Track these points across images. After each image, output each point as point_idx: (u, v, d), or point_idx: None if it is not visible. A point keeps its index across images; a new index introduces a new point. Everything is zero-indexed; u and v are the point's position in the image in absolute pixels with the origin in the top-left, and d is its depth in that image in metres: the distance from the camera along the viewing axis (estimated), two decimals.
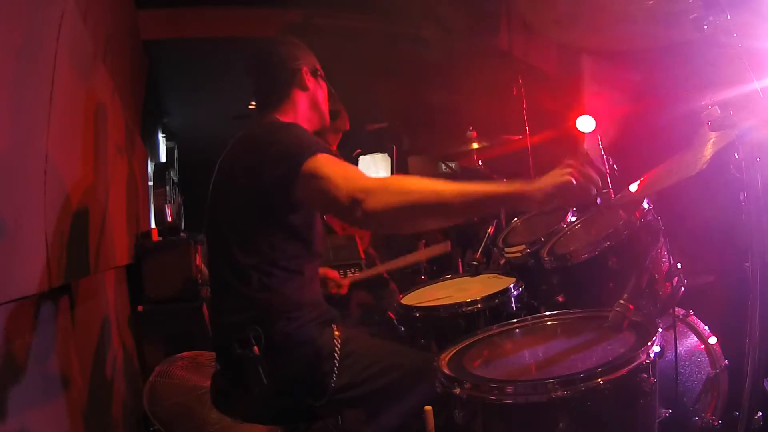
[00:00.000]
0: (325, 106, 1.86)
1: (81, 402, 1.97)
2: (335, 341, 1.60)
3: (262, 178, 1.52)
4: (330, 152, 1.51)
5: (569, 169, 1.32)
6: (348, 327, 1.70)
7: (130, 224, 3.34)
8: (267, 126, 1.69)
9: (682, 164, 1.49)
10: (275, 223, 1.57)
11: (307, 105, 1.80)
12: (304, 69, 1.78)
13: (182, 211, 5.39)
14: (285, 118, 1.74)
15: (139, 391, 2.66)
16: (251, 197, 1.55)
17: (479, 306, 1.86)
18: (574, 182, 1.30)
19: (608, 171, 2.16)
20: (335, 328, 1.64)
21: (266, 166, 1.51)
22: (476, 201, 1.35)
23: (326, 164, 1.45)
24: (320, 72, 1.85)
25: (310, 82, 1.80)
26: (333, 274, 2.23)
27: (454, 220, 1.44)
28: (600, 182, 1.34)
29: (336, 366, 1.57)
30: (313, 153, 1.46)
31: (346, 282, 2.23)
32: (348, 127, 3.29)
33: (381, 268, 2.47)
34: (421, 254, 2.43)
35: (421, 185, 1.37)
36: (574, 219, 2.23)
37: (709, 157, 1.32)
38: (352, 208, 1.36)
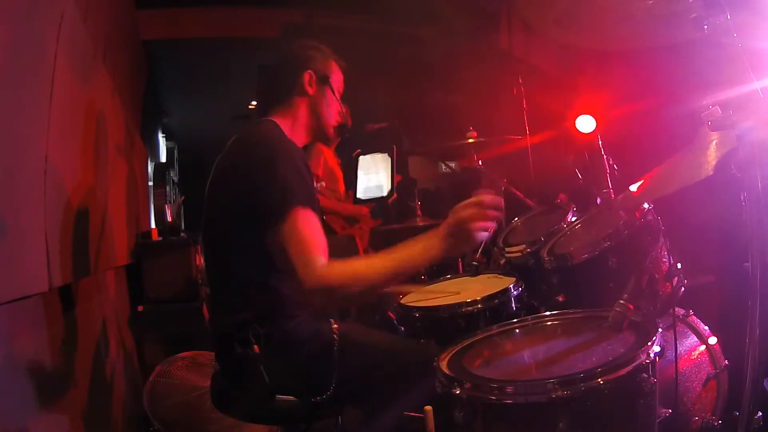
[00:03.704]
0: (327, 115, 1.80)
1: (81, 402, 1.97)
2: (334, 335, 1.61)
3: (250, 207, 1.53)
4: (307, 200, 1.51)
5: (460, 212, 1.47)
6: (346, 321, 1.71)
7: (130, 224, 3.34)
8: (261, 139, 1.64)
9: (685, 168, 1.48)
10: (271, 224, 1.56)
11: (307, 112, 1.77)
12: (307, 74, 1.75)
13: (182, 211, 5.39)
14: (283, 122, 1.72)
15: (139, 391, 2.66)
16: (245, 201, 1.55)
17: (479, 306, 1.86)
18: (467, 224, 1.45)
19: (608, 171, 2.16)
20: (333, 322, 1.65)
21: (252, 198, 1.53)
22: (406, 272, 1.51)
23: (295, 235, 1.46)
24: (332, 79, 1.80)
25: (312, 87, 1.76)
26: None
27: (381, 291, 1.65)
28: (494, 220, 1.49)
29: (335, 361, 1.57)
30: (291, 209, 1.47)
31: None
32: (347, 134, 3.29)
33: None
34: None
35: (361, 273, 1.49)
36: (574, 219, 2.23)
37: (714, 162, 1.32)
38: (306, 292, 1.45)
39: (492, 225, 1.48)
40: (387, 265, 1.49)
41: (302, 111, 1.77)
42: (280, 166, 1.53)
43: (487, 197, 1.47)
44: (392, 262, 1.49)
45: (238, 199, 1.57)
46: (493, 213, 1.47)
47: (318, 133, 1.83)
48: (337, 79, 1.83)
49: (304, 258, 1.44)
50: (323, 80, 1.78)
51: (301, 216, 1.48)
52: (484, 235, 1.48)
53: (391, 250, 1.51)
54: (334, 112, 1.82)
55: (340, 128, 1.87)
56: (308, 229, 1.48)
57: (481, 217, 1.46)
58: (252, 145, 1.62)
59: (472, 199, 1.47)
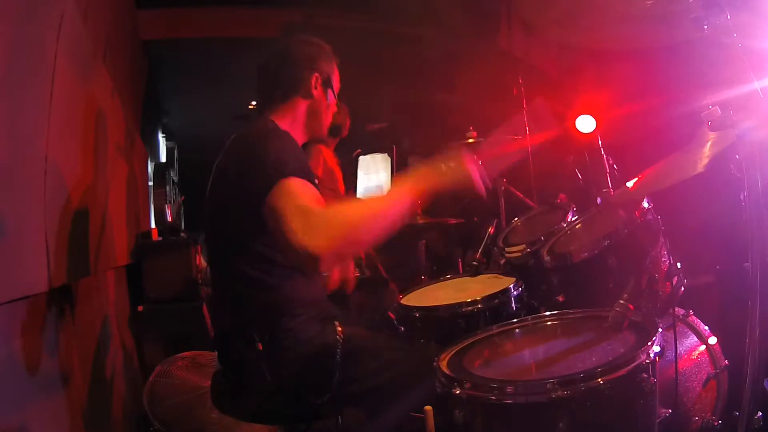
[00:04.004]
0: (325, 118, 1.81)
1: (81, 402, 1.97)
2: (338, 337, 1.61)
3: (245, 190, 1.50)
4: (302, 173, 1.47)
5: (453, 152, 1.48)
6: (350, 323, 1.70)
7: (130, 224, 3.34)
8: (256, 133, 1.65)
9: (680, 164, 1.49)
10: (265, 196, 1.55)
11: (306, 113, 1.76)
12: (315, 76, 1.74)
13: (182, 211, 5.39)
14: (282, 121, 1.72)
15: (139, 391, 2.66)
16: (245, 200, 1.54)
17: (479, 306, 1.86)
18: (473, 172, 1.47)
19: (608, 171, 2.16)
20: (337, 325, 1.64)
21: (246, 181, 1.50)
22: (404, 206, 1.47)
23: (286, 198, 1.40)
24: (333, 82, 1.80)
25: (317, 90, 1.75)
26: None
27: (390, 230, 1.55)
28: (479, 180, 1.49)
29: (338, 362, 1.57)
30: (280, 178, 1.42)
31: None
32: (346, 134, 3.29)
33: None
34: None
35: (358, 208, 1.47)
36: (574, 218, 2.23)
37: (708, 158, 1.32)
38: (304, 255, 1.33)
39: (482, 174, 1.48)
40: (379, 204, 1.49)
41: (301, 111, 1.76)
42: (273, 146, 1.53)
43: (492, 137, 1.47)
44: (383, 199, 1.50)
45: (237, 194, 1.56)
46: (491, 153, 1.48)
47: (315, 133, 1.83)
48: (336, 79, 1.83)
49: (298, 210, 1.37)
50: (327, 83, 1.78)
51: (296, 182, 1.43)
52: (477, 177, 1.47)
53: (385, 194, 1.53)
54: (331, 113, 1.83)
55: (334, 128, 1.88)
56: (299, 189, 1.43)
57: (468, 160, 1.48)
58: (250, 141, 1.62)
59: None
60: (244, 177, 1.50)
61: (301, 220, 1.35)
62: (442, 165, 1.48)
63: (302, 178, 1.45)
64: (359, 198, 1.47)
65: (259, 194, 1.43)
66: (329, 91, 1.79)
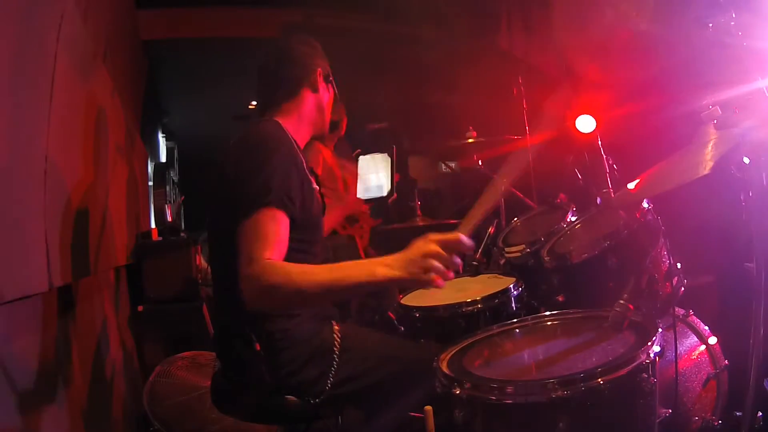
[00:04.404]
0: (329, 113, 1.84)
1: (81, 402, 1.97)
2: (335, 335, 1.61)
3: (240, 197, 1.50)
4: (283, 202, 1.48)
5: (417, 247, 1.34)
6: (347, 323, 1.71)
7: (130, 224, 3.34)
8: (258, 139, 1.63)
9: (683, 167, 1.49)
10: (240, 218, 1.55)
11: (314, 107, 1.78)
12: (319, 70, 1.78)
13: (182, 211, 5.39)
14: (286, 120, 1.71)
15: (139, 391, 2.66)
16: (236, 196, 1.54)
17: (479, 306, 1.86)
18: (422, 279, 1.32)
19: (608, 171, 2.16)
20: (334, 324, 1.65)
21: (236, 190, 1.51)
22: (345, 291, 1.47)
23: (253, 230, 1.41)
24: (332, 78, 1.84)
25: (321, 85, 1.78)
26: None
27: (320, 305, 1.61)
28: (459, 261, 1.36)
29: (336, 361, 1.57)
30: (260, 207, 1.43)
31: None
32: (344, 133, 3.28)
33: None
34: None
35: (306, 285, 1.37)
36: (574, 219, 2.23)
37: (712, 162, 1.32)
38: (244, 286, 1.36)
39: (450, 276, 1.33)
40: (326, 276, 1.38)
41: (308, 106, 1.77)
42: (269, 164, 1.52)
43: (465, 239, 1.34)
44: (332, 273, 1.39)
45: (238, 197, 1.56)
46: (457, 262, 1.34)
47: (319, 127, 1.83)
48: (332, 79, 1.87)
49: (252, 248, 1.38)
50: (328, 78, 1.81)
51: (268, 216, 1.44)
52: (438, 283, 1.30)
53: (340, 264, 1.43)
54: (330, 106, 1.85)
55: (332, 124, 1.89)
56: (270, 227, 1.43)
57: (445, 261, 1.32)
58: (251, 144, 1.61)
59: (449, 236, 1.34)
60: (240, 184, 1.51)
61: (249, 265, 1.37)
62: (404, 264, 1.34)
63: (281, 208, 1.46)
64: (316, 266, 1.40)
65: (243, 210, 1.45)
66: (330, 86, 1.83)
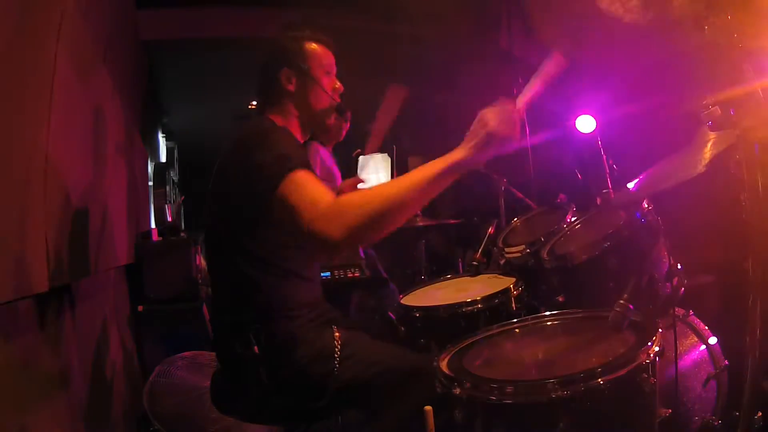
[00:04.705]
0: (315, 104, 1.75)
1: (81, 402, 1.97)
2: (335, 342, 1.60)
3: (249, 187, 1.49)
4: (307, 166, 1.46)
5: (487, 120, 1.37)
6: (348, 328, 1.70)
7: (130, 224, 3.34)
8: (255, 130, 1.64)
9: (681, 165, 1.49)
10: (271, 224, 1.56)
11: (294, 108, 1.74)
12: (283, 73, 1.71)
13: (182, 211, 5.39)
14: (277, 119, 1.72)
15: (139, 391, 2.66)
16: (245, 201, 1.54)
17: (479, 306, 1.86)
18: (495, 132, 1.35)
19: (608, 171, 2.16)
20: (335, 330, 1.64)
21: (250, 177, 1.49)
22: (423, 187, 1.37)
23: (296, 188, 1.40)
24: (312, 66, 1.73)
25: (291, 84, 1.72)
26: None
27: (412, 212, 1.50)
28: (516, 124, 1.39)
29: (336, 367, 1.57)
30: (288, 171, 1.41)
31: None
32: (342, 138, 3.28)
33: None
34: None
35: (372, 195, 1.36)
36: (574, 219, 2.23)
37: (708, 159, 1.32)
38: (318, 242, 1.33)
39: (513, 126, 1.36)
40: (401, 180, 1.37)
41: (290, 108, 1.74)
42: (278, 142, 1.52)
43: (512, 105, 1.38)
44: (408, 176, 1.37)
45: (239, 192, 1.56)
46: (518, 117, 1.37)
47: (313, 124, 1.79)
48: (318, 61, 1.75)
49: (306, 198, 1.36)
50: (301, 72, 1.72)
51: (300, 175, 1.42)
52: (511, 140, 1.35)
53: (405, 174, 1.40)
54: (323, 97, 1.75)
55: (339, 108, 1.80)
56: (309, 182, 1.41)
57: (509, 119, 1.36)
58: (251, 139, 1.60)
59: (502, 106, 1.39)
60: (248, 174, 1.49)
61: (314, 210, 1.34)
62: (475, 139, 1.37)
63: (307, 168, 1.45)
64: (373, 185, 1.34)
65: (267, 189, 1.41)
66: (307, 80, 1.73)
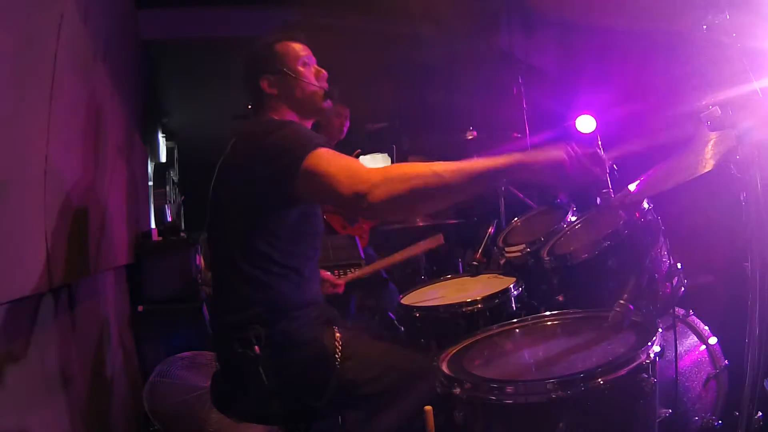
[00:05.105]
0: (303, 95, 1.74)
1: (81, 402, 1.97)
2: (336, 342, 1.60)
3: (260, 173, 1.50)
4: (329, 146, 1.49)
5: (565, 150, 1.35)
6: (348, 328, 1.70)
7: (130, 224, 3.34)
8: (265, 123, 1.67)
9: (683, 166, 1.49)
10: (273, 221, 1.56)
11: (285, 106, 1.75)
12: (263, 82, 1.72)
13: (182, 211, 5.39)
14: (275, 117, 1.73)
15: (139, 391, 2.66)
16: (249, 195, 1.54)
17: (479, 306, 1.86)
18: (567, 162, 1.33)
19: (608, 171, 2.16)
20: (336, 330, 1.64)
21: (264, 160, 1.49)
22: (475, 176, 1.35)
23: (327, 159, 1.44)
24: (288, 66, 1.73)
25: (274, 89, 1.73)
26: (327, 275, 2.21)
27: (456, 198, 1.47)
28: (598, 173, 1.37)
29: (337, 368, 1.57)
30: (314, 147, 1.46)
31: (341, 282, 2.22)
32: (343, 137, 3.28)
33: (377, 265, 2.45)
34: (416, 248, 2.41)
35: (421, 169, 1.37)
36: (574, 219, 2.23)
37: (713, 161, 1.32)
38: (357, 201, 1.36)
39: (587, 173, 1.34)
40: (453, 165, 1.35)
41: (281, 107, 1.75)
42: (289, 129, 1.54)
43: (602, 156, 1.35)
44: (461, 162, 1.35)
45: (242, 193, 1.56)
46: (589, 163, 1.34)
47: (308, 114, 1.79)
48: (293, 57, 1.75)
49: (344, 167, 1.39)
50: (279, 74, 1.73)
51: (325, 151, 1.45)
52: (567, 177, 1.33)
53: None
54: (308, 87, 1.75)
55: (327, 93, 1.79)
56: (340, 156, 1.44)
57: (577, 157, 1.33)
58: (261, 133, 1.59)
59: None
60: (258, 164, 1.51)
61: (349, 171, 1.38)
62: (542, 156, 1.35)
63: (327, 146, 1.48)
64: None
65: (291, 163, 1.44)
66: (288, 77, 1.73)
